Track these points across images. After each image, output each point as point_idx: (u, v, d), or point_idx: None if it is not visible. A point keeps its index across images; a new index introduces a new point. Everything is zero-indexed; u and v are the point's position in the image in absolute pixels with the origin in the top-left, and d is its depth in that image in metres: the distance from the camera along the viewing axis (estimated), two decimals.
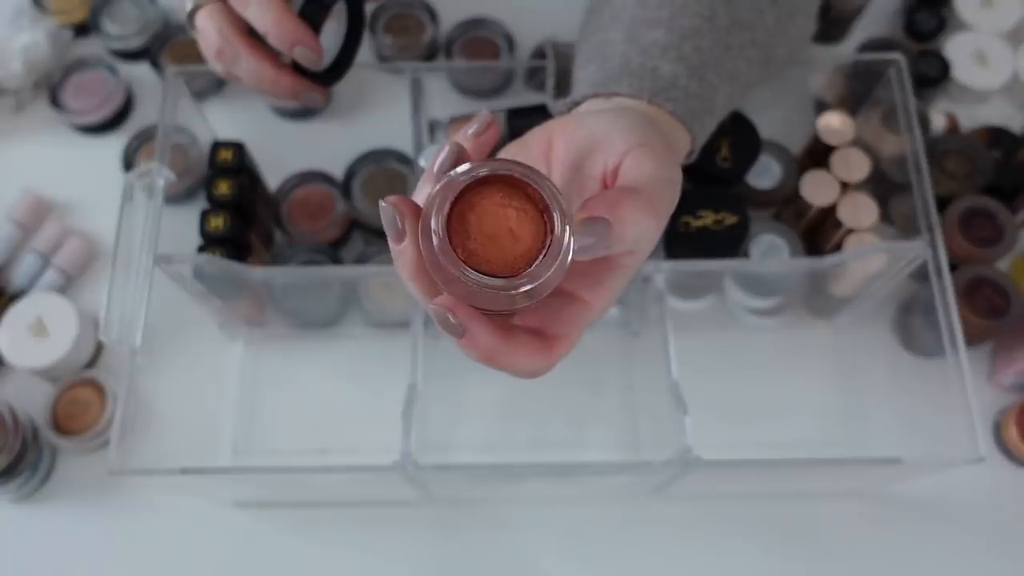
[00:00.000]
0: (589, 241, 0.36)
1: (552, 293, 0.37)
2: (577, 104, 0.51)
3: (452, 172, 0.36)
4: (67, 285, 0.77)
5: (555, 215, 0.35)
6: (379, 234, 0.76)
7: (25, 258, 0.78)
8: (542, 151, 0.43)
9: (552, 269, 0.35)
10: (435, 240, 0.35)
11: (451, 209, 0.35)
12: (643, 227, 0.38)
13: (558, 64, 0.66)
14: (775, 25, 0.57)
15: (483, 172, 0.35)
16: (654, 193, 0.39)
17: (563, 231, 0.35)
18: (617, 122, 0.41)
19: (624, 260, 0.39)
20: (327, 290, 0.73)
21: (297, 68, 0.56)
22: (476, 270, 0.35)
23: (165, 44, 0.85)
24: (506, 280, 0.35)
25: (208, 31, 0.54)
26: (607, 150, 0.40)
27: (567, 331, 0.39)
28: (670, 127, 0.49)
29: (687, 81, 0.50)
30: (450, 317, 0.36)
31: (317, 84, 0.57)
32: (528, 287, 0.35)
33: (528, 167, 0.36)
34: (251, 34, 0.54)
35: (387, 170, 0.78)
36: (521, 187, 0.36)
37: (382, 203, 0.36)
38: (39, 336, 0.72)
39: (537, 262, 0.35)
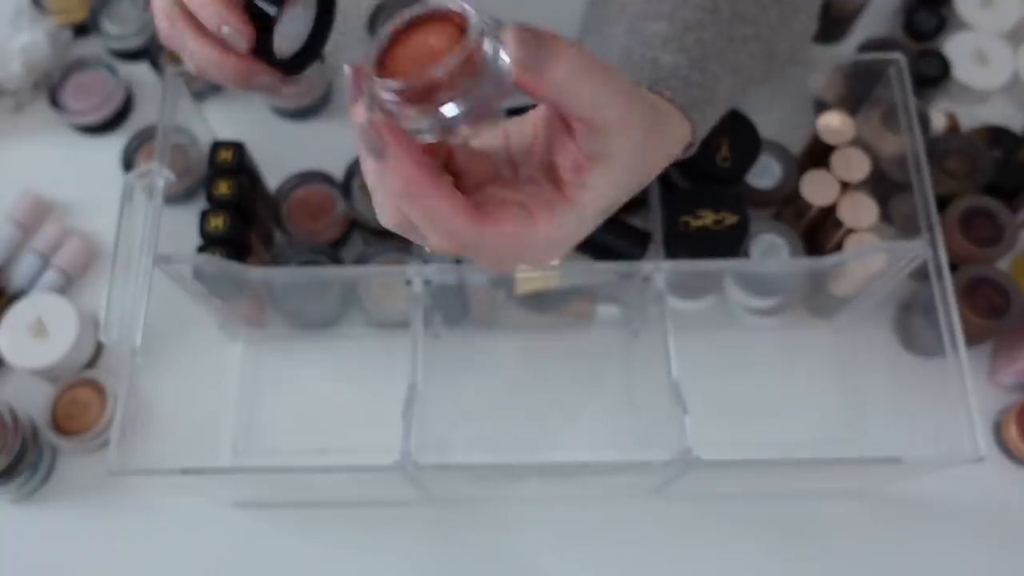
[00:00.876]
0: (522, 52, 0.34)
1: (540, 171, 0.37)
2: None
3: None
4: (67, 285, 0.77)
5: (470, 25, 0.35)
6: (379, 234, 0.76)
7: (25, 258, 0.78)
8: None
9: (477, 82, 0.34)
10: (366, 65, 0.35)
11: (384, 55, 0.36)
12: (591, 87, 0.36)
13: None
14: (778, 21, 0.57)
15: (411, 14, 0.36)
16: (609, 69, 0.37)
17: (480, 38, 0.34)
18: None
19: (601, 151, 0.37)
20: (327, 290, 0.73)
21: (260, 54, 0.52)
22: (389, 80, 0.35)
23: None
24: (427, 98, 0.35)
25: (157, 12, 0.52)
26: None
27: (516, 214, 0.37)
28: (669, 114, 0.49)
29: (688, 71, 0.50)
30: (374, 134, 0.35)
31: (281, 72, 0.54)
32: (455, 105, 0.34)
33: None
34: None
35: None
36: (450, 22, 0.36)
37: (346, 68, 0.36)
38: (39, 336, 0.72)
39: (447, 61, 0.34)
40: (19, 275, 0.77)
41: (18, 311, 0.72)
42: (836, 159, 0.72)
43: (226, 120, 0.82)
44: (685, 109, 0.49)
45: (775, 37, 0.57)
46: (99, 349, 0.76)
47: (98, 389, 0.73)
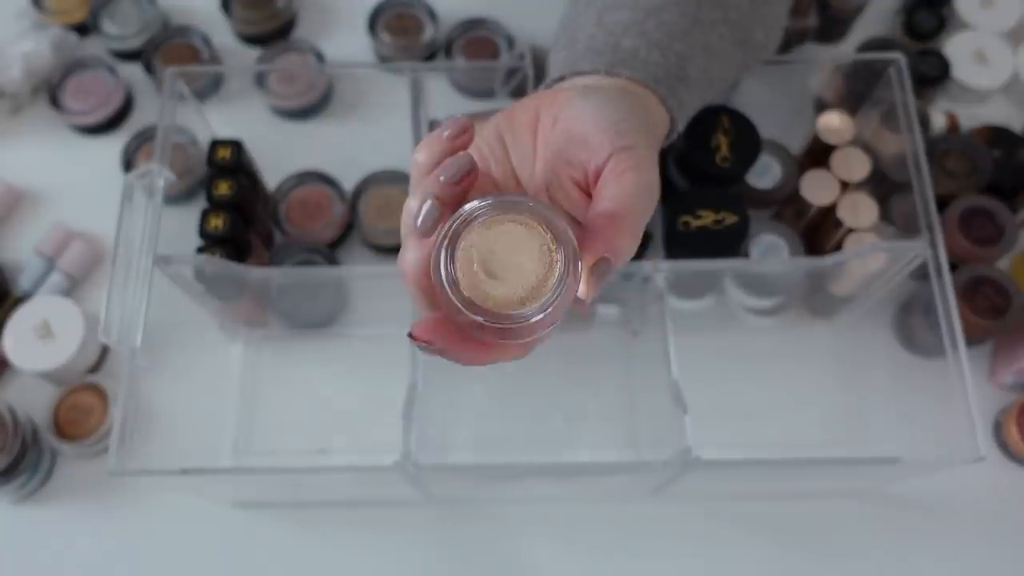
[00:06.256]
0: (598, 286, 0.37)
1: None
2: (548, 88, 0.51)
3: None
4: (72, 288, 0.77)
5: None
6: (380, 250, 0.76)
7: (30, 261, 0.77)
8: (529, 123, 0.43)
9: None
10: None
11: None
12: (633, 247, 0.40)
13: (537, 65, 0.67)
14: (749, 6, 0.57)
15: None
16: (636, 212, 0.40)
17: (572, 275, 0.36)
18: (603, 111, 0.42)
19: None
20: (323, 290, 0.73)
21: None
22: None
23: (159, 48, 0.85)
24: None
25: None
26: (591, 148, 0.41)
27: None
28: (648, 101, 0.49)
29: (647, 53, 0.50)
30: (425, 347, 0.37)
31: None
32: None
33: (540, 203, 0.37)
34: None
35: (402, 192, 0.77)
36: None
37: (428, 201, 0.37)
38: (45, 339, 0.71)
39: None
40: (25, 277, 0.77)
41: (24, 313, 0.72)
42: (836, 159, 0.72)
43: (226, 120, 0.81)
44: (651, 86, 0.49)
45: (746, 23, 0.57)
46: (104, 353, 0.76)
47: (100, 395, 0.73)
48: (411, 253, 0.39)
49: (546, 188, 0.43)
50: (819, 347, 0.75)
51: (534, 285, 0.36)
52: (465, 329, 0.37)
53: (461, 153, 0.39)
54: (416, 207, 0.38)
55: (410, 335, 0.37)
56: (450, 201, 0.38)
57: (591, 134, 0.41)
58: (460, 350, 0.37)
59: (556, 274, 0.36)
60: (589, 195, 0.42)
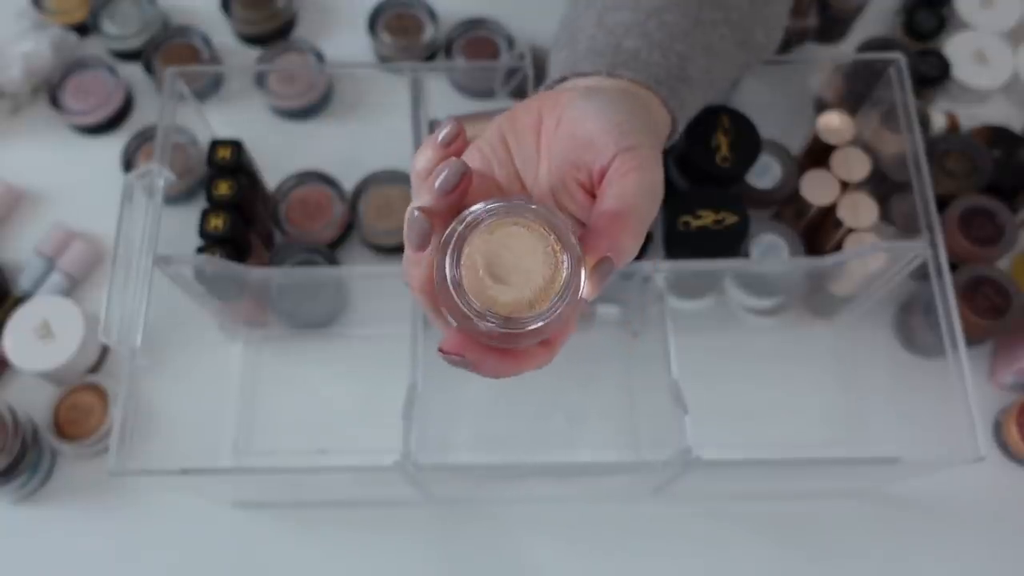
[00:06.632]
0: (600, 285, 0.37)
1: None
2: (550, 88, 0.51)
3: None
4: (72, 288, 0.77)
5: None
6: (380, 250, 0.76)
7: (30, 261, 0.77)
8: (532, 125, 0.44)
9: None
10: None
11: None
12: (635, 247, 0.40)
13: (537, 65, 0.67)
14: (749, 6, 0.57)
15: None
16: (640, 212, 0.40)
17: (578, 276, 0.36)
18: (605, 112, 0.42)
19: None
20: (323, 290, 0.73)
21: None
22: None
23: (159, 48, 0.85)
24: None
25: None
26: (596, 150, 0.41)
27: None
28: (650, 102, 0.49)
29: (648, 54, 0.50)
30: (457, 359, 0.37)
31: None
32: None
33: (542, 207, 0.37)
34: None
35: (401, 192, 0.77)
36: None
37: (414, 212, 0.37)
38: (45, 339, 0.71)
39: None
40: (25, 277, 0.77)
41: (24, 313, 0.72)
42: (836, 159, 0.72)
43: (226, 120, 0.82)
44: (652, 87, 0.49)
45: (747, 24, 0.57)
46: (104, 353, 0.76)
47: (100, 394, 0.73)
48: (415, 259, 0.39)
49: (552, 193, 0.43)
50: (819, 347, 0.75)
51: (541, 288, 0.36)
52: (476, 336, 0.37)
53: (452, 159, 0.39)
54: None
55: (440, 350, 0.38)
56: (447, 208, 0.38)
57: (595, 135, 0.41)
58: (487, 361, 0.37)
59: (562, 277, 0.36)
60: (594, 197, 0.42)
